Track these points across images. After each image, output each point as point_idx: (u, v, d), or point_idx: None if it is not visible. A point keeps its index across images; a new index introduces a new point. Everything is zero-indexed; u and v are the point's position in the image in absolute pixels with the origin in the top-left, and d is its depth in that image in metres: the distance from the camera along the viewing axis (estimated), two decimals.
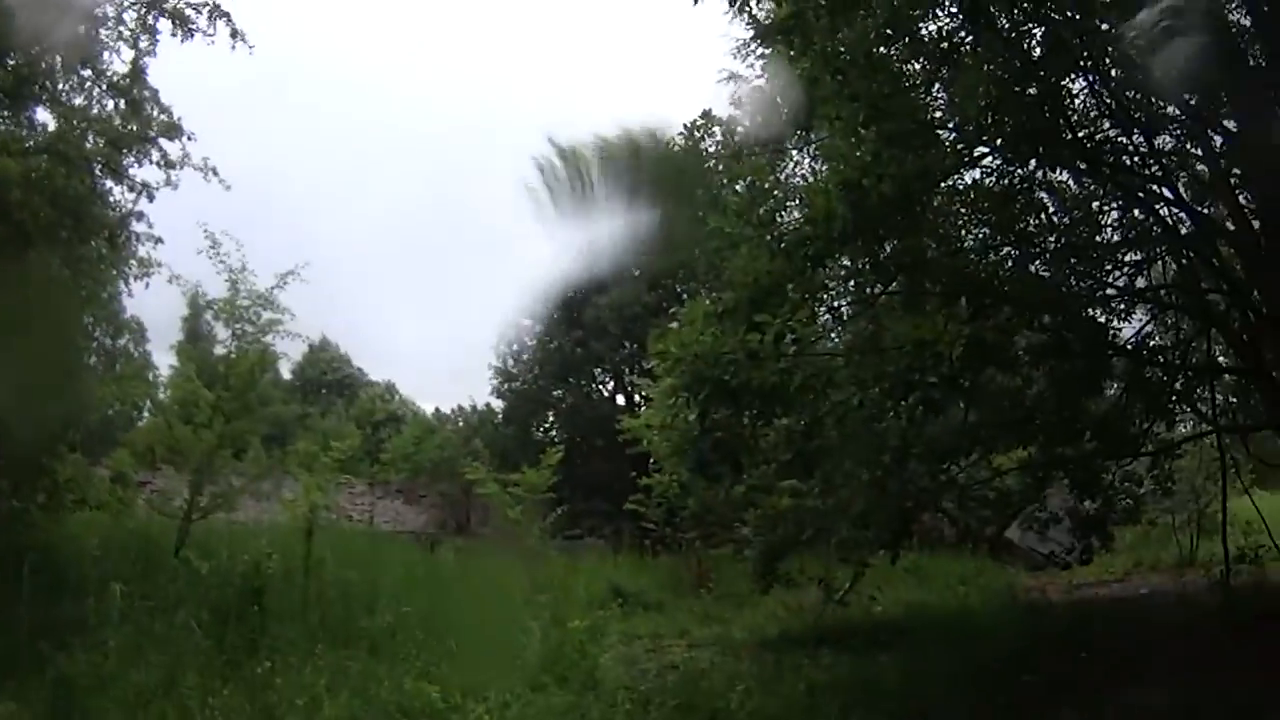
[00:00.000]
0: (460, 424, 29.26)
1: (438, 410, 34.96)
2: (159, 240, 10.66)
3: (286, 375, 28.46)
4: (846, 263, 7.28)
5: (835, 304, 8.10)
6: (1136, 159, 8.27)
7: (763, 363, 6.77)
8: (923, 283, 7.32)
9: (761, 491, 7.94)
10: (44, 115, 11.48)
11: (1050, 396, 8.50)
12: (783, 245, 6.84)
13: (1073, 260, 8.44)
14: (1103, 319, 8.94)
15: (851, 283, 7.83)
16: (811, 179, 7.97)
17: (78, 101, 11.55)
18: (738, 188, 7.54)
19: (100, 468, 10.70)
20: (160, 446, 10.35)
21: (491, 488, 13.26)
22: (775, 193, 7.64)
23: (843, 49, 7.03)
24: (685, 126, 8.19)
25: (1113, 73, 7.98)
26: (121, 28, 11.15)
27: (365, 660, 6.82)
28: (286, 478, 9.98)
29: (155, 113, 11.44)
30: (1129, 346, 9.19)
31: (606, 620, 8.70)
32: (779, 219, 7.42)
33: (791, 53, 7.50)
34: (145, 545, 9.07)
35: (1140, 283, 9.39)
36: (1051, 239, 8.46)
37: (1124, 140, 8.26)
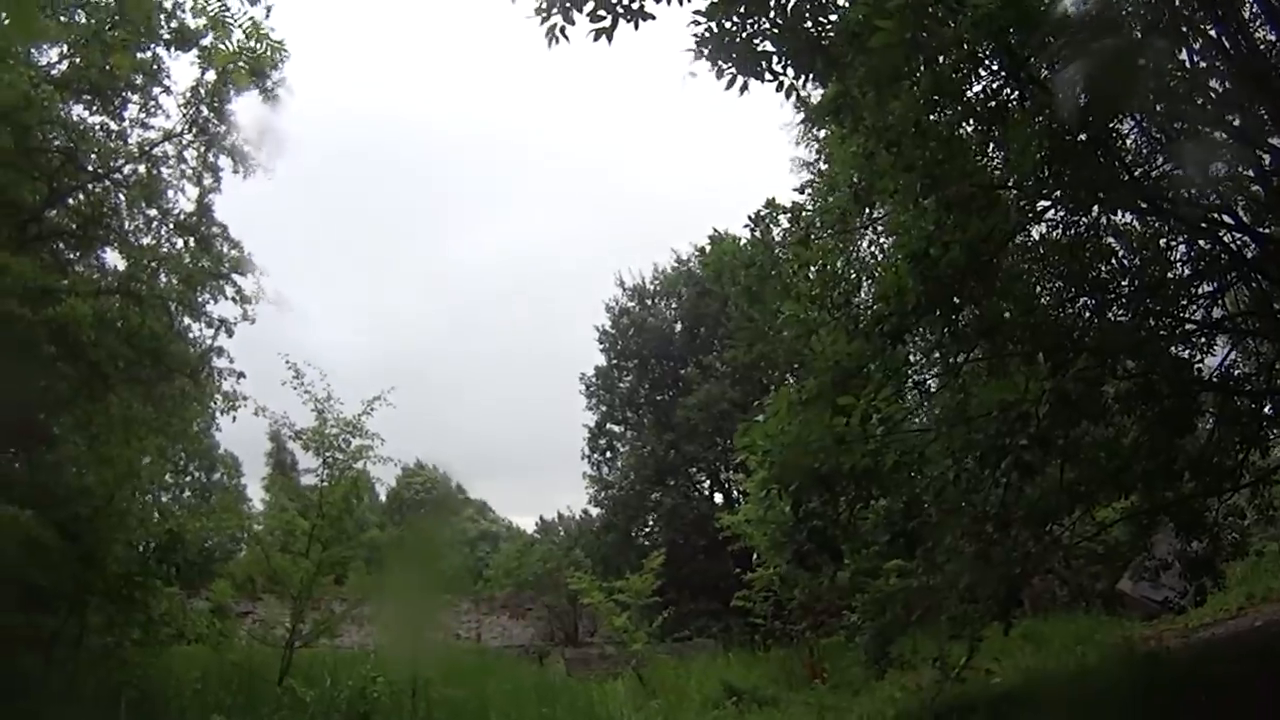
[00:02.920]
0: (561, 534, 29.37)
1: (541, 519, 35.10)
2: (241, 375, 11.03)
3: (382, 497, 28.94)
4: (929, 335, 7.20)
5: (920, 378, 8.03)
6: (1193, 190, 8.17)
7: (851, 446, 6.68)
8: (1004, 345, 7.22)
9: (867, 575, 7.79)
10: (114, 257, 11.98)
11: (1144, 441, 8.29)
12: (860, 325, 6.81)
13: (1148, 300, 8.30)
14: (1186, 355, 8.77)
15: (935, 354, 7.75)
16: (879, 255, 7.98)
17: (146, 241, 12.07)
18: (809, 273, 7.57)
19: (200, 599, 10.89)
20: (260, 576, 10.52)
21: (596, 596, 13.50)
22: (849, 273, 7.64)
23: (892, 120, 7.09)
24: (749, 218, 8.24)
25: (1157, 107, 7.96)
26: (184, 166, 11.76)
27: None
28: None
29: (225, 249, 11.91)
30: (1215, 379, 8.98)
31: None
32: (853, 300, 7.40)
33: (844, 131, 7.59)
34: (247, 675, 9.17)
35: (1217, 313, 9.20)
36: (1124, 282, 8.35)
37: (1179, 172, 8.18)
